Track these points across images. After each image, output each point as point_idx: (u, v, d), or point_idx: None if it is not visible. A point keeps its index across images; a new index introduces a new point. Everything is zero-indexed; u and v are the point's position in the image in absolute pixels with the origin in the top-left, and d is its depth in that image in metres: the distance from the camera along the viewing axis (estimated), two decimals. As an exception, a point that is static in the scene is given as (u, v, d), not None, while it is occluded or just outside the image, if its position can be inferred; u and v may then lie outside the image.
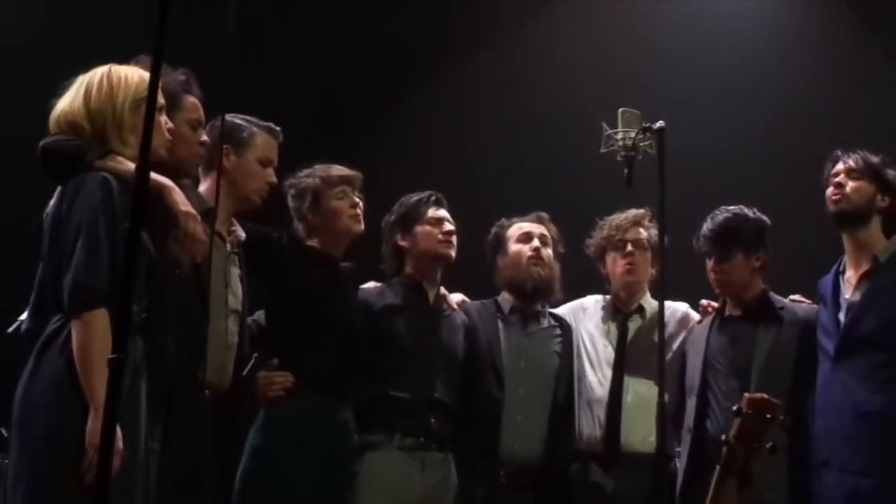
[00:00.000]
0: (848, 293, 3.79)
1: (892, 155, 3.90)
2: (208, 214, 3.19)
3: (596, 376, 4.12)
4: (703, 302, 4.18)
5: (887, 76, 5.66)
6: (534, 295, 4.16)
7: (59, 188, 2.80)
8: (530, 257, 4.13)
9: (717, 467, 3.02)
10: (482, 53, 6.08)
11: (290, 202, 3.85)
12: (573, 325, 4.26)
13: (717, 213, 4.03)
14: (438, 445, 3.86)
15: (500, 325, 4.16)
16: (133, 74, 2.88)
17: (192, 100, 3.21)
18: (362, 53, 5.85)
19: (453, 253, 4.02)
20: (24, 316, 2.91)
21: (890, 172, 3.84)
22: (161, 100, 2.84)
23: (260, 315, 3.80)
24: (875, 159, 3.85)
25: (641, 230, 4.19)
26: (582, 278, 4.37)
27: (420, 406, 3.84)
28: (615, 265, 4.21)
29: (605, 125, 3.41)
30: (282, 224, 3.86)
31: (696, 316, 4.21)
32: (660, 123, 3.33)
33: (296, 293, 3.72)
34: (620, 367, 4.11)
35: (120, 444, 2.52)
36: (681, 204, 3.48)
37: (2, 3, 5.53)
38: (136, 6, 3.80)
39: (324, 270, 3.79)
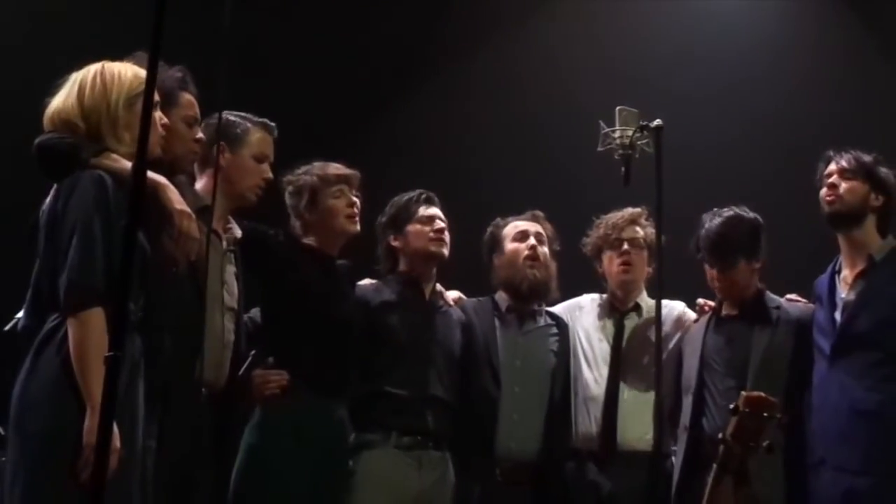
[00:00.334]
0: (844, 292, 3.80)
1: (889, 154, 3.90)
2: (204, 212, 3.19)
3: (592, 374, 4.12)
4: (700, 301, 4.19)
5: (885, 75, 5.67)
6: (530, 295, 4.16)
7: (54, 186, 2.79)
8: (527, 257, 4.13)
9: (714, 466, 3.03)
10: (480, 52, 6.08)
11: (287, 199, 3.85)
12: (570, 323, 4.26)
13: (711, 218, 4.00)
14: (435, 444, 3.86)
15: (497, 323, 4.16)
16: (127, 71, 2.87)
17: (187, 97, 3.20)
18: (361, 52, 5.84)
19: (446, 251, 4.02)
20: (20, 314, 2.90)
21: (882, 171, 3.84)
22: (156, 97, 2.83)
23: (256, 313, 3.79)
24: (867, 158, 3.84)
25: (638, 229, 4.19)
26: (579, 277, 4.36)
27: (417, 403, 3.84)
28: (611, 264, 4.21)
29: (602, 123, 3.41)
30: (279, 220, 3.86)
31: (692, 315, 4.21)
32: (657, 122, 3.33)
33: (292, 291, 3.71)
34: (617, 366, 4.11)
35: (117, 442, 2.52)
36: (678, 202, 3.48)
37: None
38: (133, 3, 3.79)
39: (320, 268, 3.79)
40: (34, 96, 2.96)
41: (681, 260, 4.00)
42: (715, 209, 4.04)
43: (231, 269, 3.47)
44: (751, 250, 3.96)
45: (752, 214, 4.01)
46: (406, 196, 4.07)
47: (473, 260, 4.29)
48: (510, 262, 4.17)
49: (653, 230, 4.03)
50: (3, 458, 2.75)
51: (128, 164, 2.71)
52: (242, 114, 3.53)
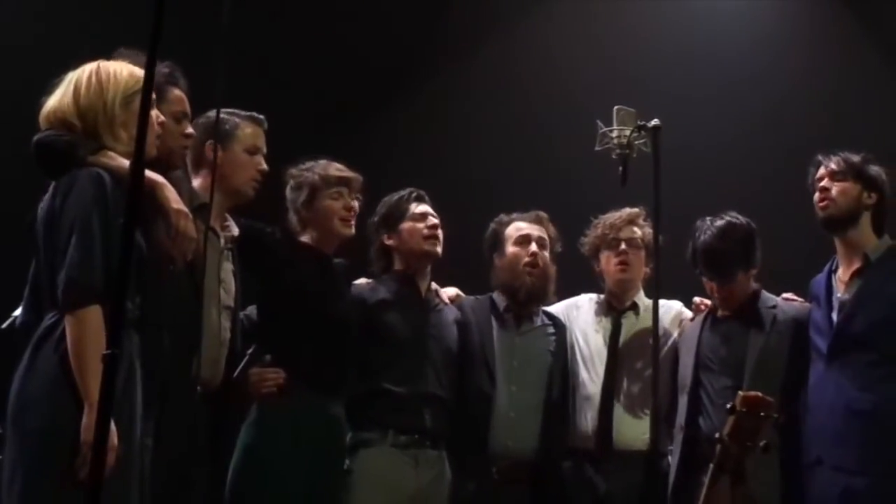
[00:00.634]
0: (840, 292, 3.80)
1: (888, 152, 3.91)
2: (202, 210, 3.19)
3: (589, 374, 4.13)
4: (696, 299, 4.19)
5: (882, 74, 5.67)
6: (527, 301, 4.16)
7: (52, 183, 2.80)
8: (527, 263, 4.13)
9: (711, 465, 3.03)
10: (478, 52, 6.08)
11: (288, 192, 3.86)
12: (567, 323, 4.26)
13: (704, 229, 3.99)
14: (432, 442, 3.86)
15: (494, 322, 4.16)
16: (123, 70, 2.87)
17: (176, 92, 3.20)
18: (360, 51, 5.83)
19: (440, 249, 4.02)
20: (17, 311, 2.90)
21: (873, 169, 3.84)
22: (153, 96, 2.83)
23: (252, 311, 3.79)
24: (856, 158, 3.84)
25: (635, 229, 4.20)
26: (577, 277, 4.37)
27: (414, 401, 3.84)
28: (609, 263, 4.22)
29: (599, 123, 3.41)
30: (276, 216, 3.86)
31: (689, 314, 4.21)
32: (655, 121, 3.33)
33: (289, 289, 3.71)
34: (613, 365, 4.11)
35: (115, 440, 2.53)
36: (676, 202, 3.48)
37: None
38: (132, 1, 3.79)
39: (317, 267, 3.79)
40: (31, 95, 2.96)
41: (678, 259, 4.00)
42: (707, 218, 4.02)
43: (228, 267, 3.48)
44: (747, 260, 3.97)
45: (744, 220, 3.99)
46: (397, 195, 4.07)
47: (472, 259, 4.29)
48: (510, 266, 4.17)
49: (650, 230, 4.03)
50: (1, 456, 2.75)
51: (125, 162, 2.71)
52: (230, 110, 3.53)
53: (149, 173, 2.76)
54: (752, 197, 4.82)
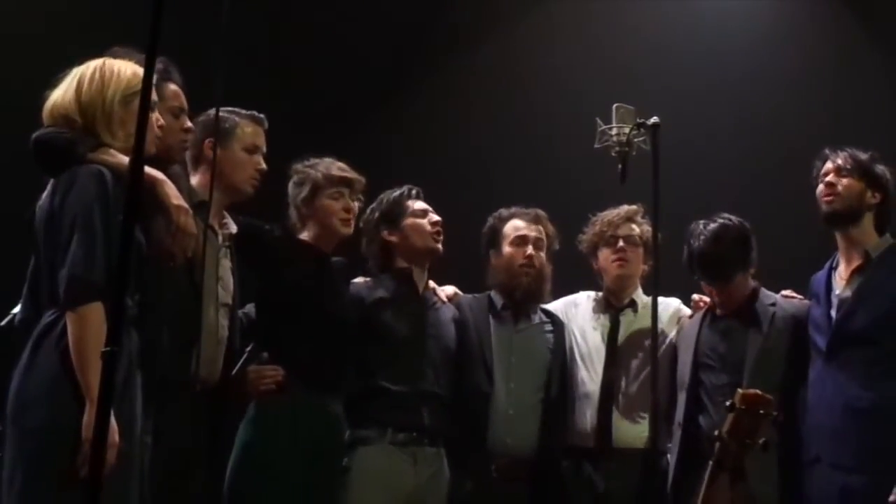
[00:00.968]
0: (840, 289, 3.80)
1: (886, 151, 3.91)
2: (201, 207, 3.19)
3: (588, 372, 4.13)
4: (695, 297, 4.19)
5: (881, 72, 5.67)
6: (523, 301, 4.16)
7: (51, 181, 2.79)
8: (522, 265, 4.13)
9: (710, 463, 3.03)
10: (478, 50, 6.08)
11: (290, 187, 3.86)
12: (565, 320, 4.26)
13: (699, 233, 3.99)
14: (431, 440, 3.86)
15: (492, 320, 4.16)
16: (126, 69, 2.88)
17: (172, 87, 3.21)
18: (360, 49, 5.83)
19: (441, 246, 4.02)
20: (16, 309, 2.90)
21: (879, 168, 3.84)
22: (154, 96, 2.84)
23: (251, 308, 3.79)
24: (864, 156, 3.84)
25: (633, 226, 4.20)
26: (575, 274, 4.37)
27: (412, 399, 3.84)
28: (607, 261, 4.22)
29: (599, 121, 3.40)
30: (276, 213, 3.86)
31: (687, 311, 4.21)
32: (654, 119, 3.32)
33: (287, 287, 3.71)
34: (612, 363, 4.11)
35: (115, 437, 2.52)
36: (675, 200, 3.48)
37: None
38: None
39: (315, 265, 3.79)
40: (29, 94, 2.96)
41: (677, 257, 4.01)
42: (700, 222, 4.01)
43: (226, 265, 3.48)
44: (744, 261, 3.97)
45: (736, 221, 4.00)
46: (396, 191, 4.07)
47: (471, 257, 4.29)
48: (506, 267, 4.17)
49: (648, 227, 4.03)
50: (1, 454, 2.74)
51: (125, 159, 2.70)
52: (230, 108, 3.53)
53: (148, 170, 2.76)
54: (751, 195, 4.83)
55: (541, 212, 4.25)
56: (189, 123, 3.25)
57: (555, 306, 4.32)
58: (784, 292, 4.06)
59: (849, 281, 3.79)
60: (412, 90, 6.03)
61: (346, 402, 3.78)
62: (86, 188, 2.68)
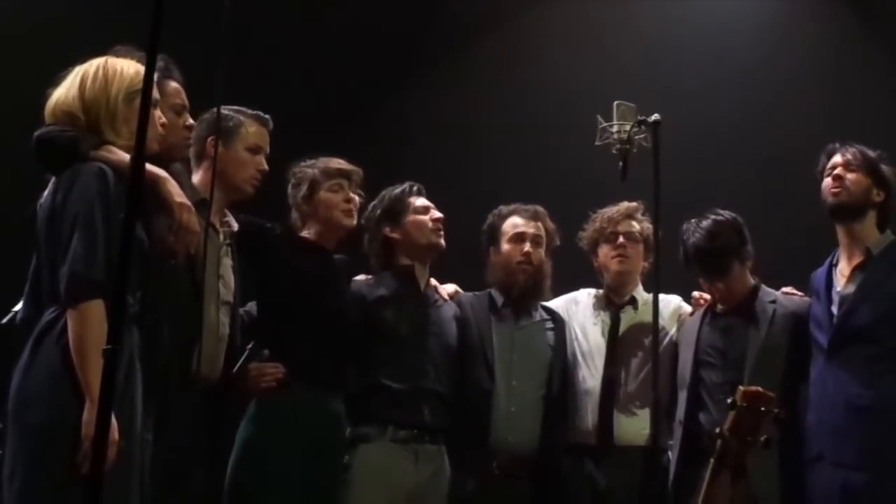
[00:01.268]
0: (841, 286, 3.80)
1: (886, 150, 3.91)
2: (202, 205, 3.19)
3: (588, 369, 4.13)
4: (696, 294, 4.18)
5: (881, 70, 5.67)
6: (521, 298, 4.16)
7: (52, 178, 2.79)
8: (519, 262, 4.13)
9: (711, 460, 3.03)
10: (479, 47, 6.09)
11: (289, 190, 3.86)
12: (566, 318, 4.26)
13: (692, 231, 3.99)
14: (432, 437, 3.86)
15: (493, 317, 4.16)
16: (129, 67, 2.88)
17: (173, 85, 3.21)
18: (360, 46, 5.83)
19: (443, 242, 4.03)
20: (17, 307, 2.90)
21: (885, 168, 3.86)
22: (156, 94, 2.84)
23: (251, 306, 3.79)
24: (872, 154, 3.86)
25: (634, 223, 4.20)
26: (576, 271, 4.37)
27: (413, 396, 3.84)
28: (607, 257, 4.22)
29: (599, 118, 3.40)
30: (278, 213, 3.86)
31: (688, 308, 4.21)
32: (655, 116, 3.32)
33: (288, 285, 3.71)
34: (613, 360, 4.11)
35: (116, 434, 2.52)
36: (675, 197, 3.48)
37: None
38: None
39: (317, 262, 3.79)
40: (28, 93, 2.95)
41: (677, 254, 4.01)
42: (692, 220, 4.02)
43: (227, 263, 3.48)
44: (739, 253, 3.97)
45: (729, 215, 4.00)
46: (397, 188, 4.07)
47: (471, 254, 4.29)
48: (504, 264, 4.17)
49: (649, 224, 4.04)
50: (2, 451, 2.74)
51: (127, 157, 2.70)
52: (236, 107, 3.53)
53: (150, 167, 2.77)
54: (751, 191, 4.83)
55: (540, 209, 4.25)
56: (191, 121, 3.25)
57: (556, 304, 4.32)
58: (784, 289, 4.06)
59: (850, 278, 3.78)
60: (413, 88, 6.03)
61: (347, 400, 3.78)
62: (87, 186, 2.68)
